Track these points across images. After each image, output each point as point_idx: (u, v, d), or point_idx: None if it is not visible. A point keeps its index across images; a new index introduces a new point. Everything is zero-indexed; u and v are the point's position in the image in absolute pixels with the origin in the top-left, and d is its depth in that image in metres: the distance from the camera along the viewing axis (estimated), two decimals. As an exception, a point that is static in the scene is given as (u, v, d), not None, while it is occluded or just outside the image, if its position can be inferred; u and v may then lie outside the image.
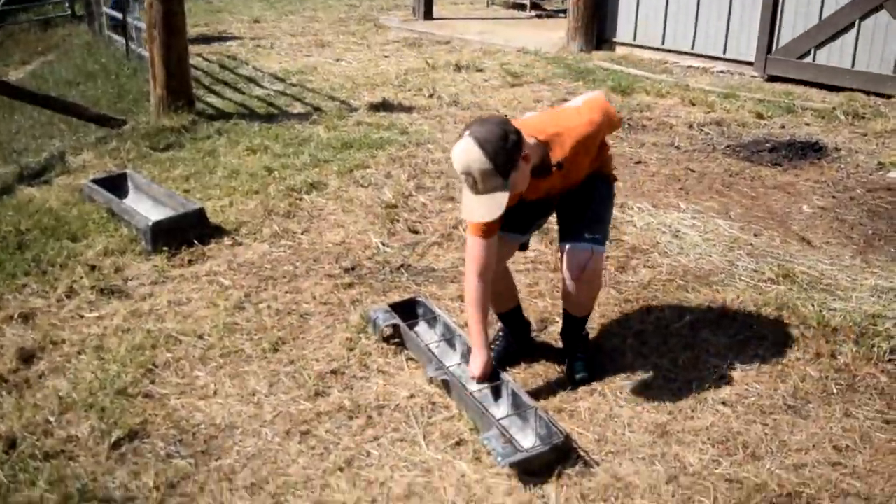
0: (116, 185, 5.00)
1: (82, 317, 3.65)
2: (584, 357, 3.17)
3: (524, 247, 3.22)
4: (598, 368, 3.20)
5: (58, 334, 3.49)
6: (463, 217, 2.63)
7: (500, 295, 3.17)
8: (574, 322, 3.18)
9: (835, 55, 7.97)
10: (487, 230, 2.76)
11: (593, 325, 3.47)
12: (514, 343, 3.28)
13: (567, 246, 2.94)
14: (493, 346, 3.21)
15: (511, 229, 2.97)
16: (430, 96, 7.65)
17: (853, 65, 7.85)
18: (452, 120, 6.80)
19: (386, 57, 9.83)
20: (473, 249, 2.81)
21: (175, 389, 3.11)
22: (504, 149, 2.56)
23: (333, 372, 3.19)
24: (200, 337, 3.45)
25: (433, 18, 12.71)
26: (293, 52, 10.29)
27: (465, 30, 11.51)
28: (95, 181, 4.97)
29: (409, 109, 7.14)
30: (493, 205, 2.61)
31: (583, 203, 2.96)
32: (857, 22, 7.74)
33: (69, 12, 14.78)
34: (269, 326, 3.53)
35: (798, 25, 8.20)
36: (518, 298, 3.33)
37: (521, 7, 13.05)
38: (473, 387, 2.99)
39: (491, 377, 2.97)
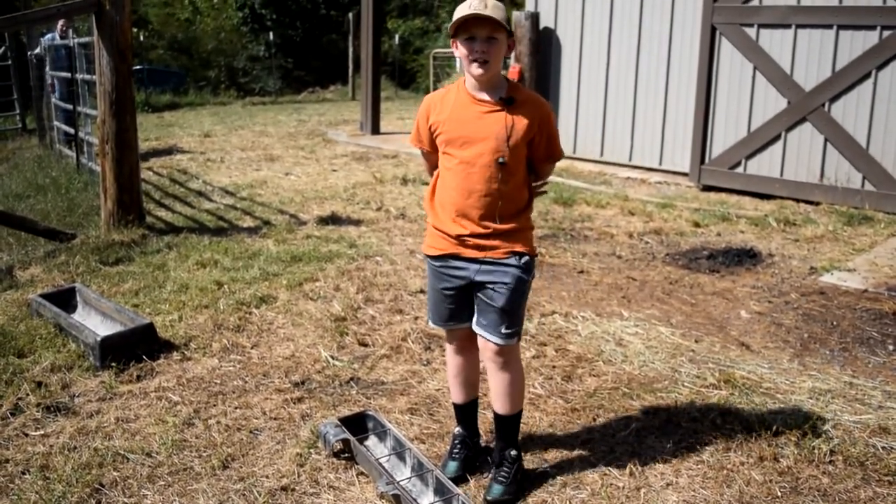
0: (65, 299, 4.98)
1: (27, 435, 3.58)
2: (506, 479, 3.11)
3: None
4: (520, 489, 3.12)
5: (1, 453, 3.42)
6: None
7: (467, 380, 3.26)
8: (502, 423, 3.18)
9: (764, 165, 8.36)
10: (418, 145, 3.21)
11: (542, 434, 3.53)
12: (471, 449, 3.31)
13: (482, 334, 3.06)
14: (454, 455, 3.25)
15: (460, 318, 3.12)
16: (378, 209, 7.81)
17: (782, 174, 8.23)
18: (400, 233, 6.94)
19: (334, 171, 10.04)
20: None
21: (122, 510, 3.06)
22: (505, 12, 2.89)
23: (284, 489, 3.16)
24: (148, 455, 3.41)
25: (380, 133, 13.08)
26: (243, 165, 10.45)
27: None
28: (43, 296, 4.94)
29: (357, 223, 7.27)
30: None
31: (501, 296, 3.00)
32: (783, 134, 8.16)
33: (20, 126, 14.87)
34: (218, 443, 3.51)
35: (729, 137, 8.61)
36: (478, 391, 3.37)
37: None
38: (425, 501, 3.01)
39: (442, 490, 2.99)
